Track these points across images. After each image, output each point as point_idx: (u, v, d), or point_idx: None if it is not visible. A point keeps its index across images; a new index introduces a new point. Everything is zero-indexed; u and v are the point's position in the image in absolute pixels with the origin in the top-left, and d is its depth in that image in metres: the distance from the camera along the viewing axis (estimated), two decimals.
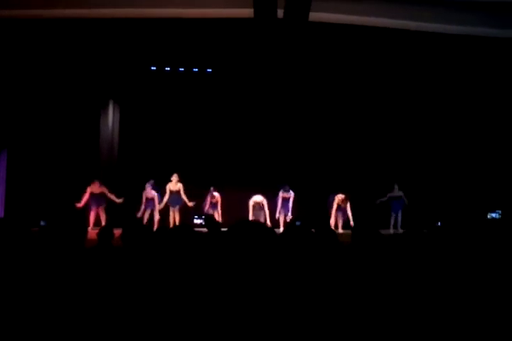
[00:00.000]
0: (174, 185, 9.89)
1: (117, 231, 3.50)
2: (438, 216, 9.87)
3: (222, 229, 4.40)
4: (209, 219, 5.54)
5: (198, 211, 10.00)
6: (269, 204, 9.95)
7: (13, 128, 10.01)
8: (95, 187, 9.59)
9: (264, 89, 10.81)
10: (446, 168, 10.74)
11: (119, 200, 9.67)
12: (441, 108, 10.71)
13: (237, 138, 10.95)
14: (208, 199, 10.00)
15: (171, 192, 9.87)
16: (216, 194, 10.02)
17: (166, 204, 9.91)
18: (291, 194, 10.00)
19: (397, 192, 10.27)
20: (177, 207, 9.96)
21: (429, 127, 10.85)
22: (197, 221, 9.71)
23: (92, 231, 8.11)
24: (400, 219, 10.23)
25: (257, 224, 2.15)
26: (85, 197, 9.52)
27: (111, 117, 11.05)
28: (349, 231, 3.16)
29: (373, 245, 2.93)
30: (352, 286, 2.33)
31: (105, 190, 9.65)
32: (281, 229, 9.76)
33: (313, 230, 3.66)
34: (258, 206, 9.91)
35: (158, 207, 9.85)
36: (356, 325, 2.09)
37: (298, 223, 4.19)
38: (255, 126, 10.96)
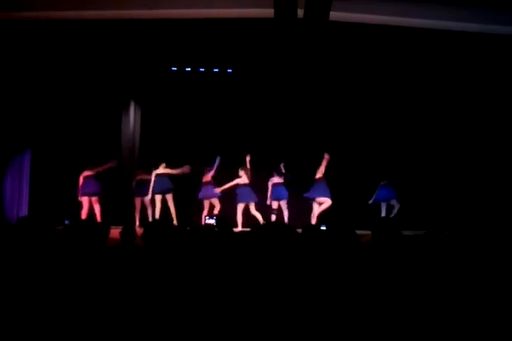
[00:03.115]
0: (161, 169, 9.84)
1: (139, 231, 3.54)
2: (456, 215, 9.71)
3: (245, 230, 4.40)
4: (221, 219, 5.57)
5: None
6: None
7: (37, 128, 10.14)
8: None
9: (285, 88, 10.79)
10: (453, 166, 10.59)
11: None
12: (457, 105, 10.58)
13: (258, 138, 10.92)
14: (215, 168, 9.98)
15: (157, 175, 9.76)
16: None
17: (156, 192, 9.77)
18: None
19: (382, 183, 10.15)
20: (169, 194, 9.82)
21: (447, 125, 10.73)
22: (209, 221, 9.70)
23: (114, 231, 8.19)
24: (396, 207, 10.01)
25: (280, 225, 2.16)
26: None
27: (132, 117, 11.15)
28: (369, 232, 3.13)
29: (394, 246, 2.92)
30: (372, 288, 2.33)
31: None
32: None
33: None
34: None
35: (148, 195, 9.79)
36: (378, 326, 2.09)
37: (323, 227, 4.14)
38: (277, 127, 10.93)
